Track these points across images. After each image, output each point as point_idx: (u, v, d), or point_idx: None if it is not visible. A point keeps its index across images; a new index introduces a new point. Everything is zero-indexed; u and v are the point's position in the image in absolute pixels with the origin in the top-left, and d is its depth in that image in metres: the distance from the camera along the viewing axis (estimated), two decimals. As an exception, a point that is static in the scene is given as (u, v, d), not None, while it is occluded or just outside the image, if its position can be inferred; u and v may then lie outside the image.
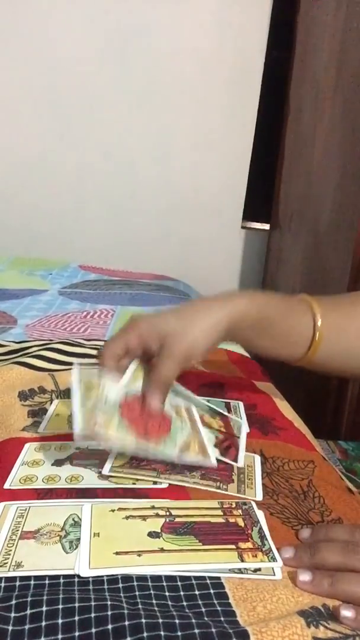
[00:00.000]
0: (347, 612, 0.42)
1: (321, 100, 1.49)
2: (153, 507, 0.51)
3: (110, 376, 0.60)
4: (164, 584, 0.43)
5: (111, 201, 1.89)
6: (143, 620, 0.38)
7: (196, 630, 0.37)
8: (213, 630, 0.37)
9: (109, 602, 0.39)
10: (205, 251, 1.96)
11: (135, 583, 0.43)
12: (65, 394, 0.76)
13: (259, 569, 0.45)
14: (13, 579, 0.43)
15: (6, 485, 0.55)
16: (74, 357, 0.88)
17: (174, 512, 0.51)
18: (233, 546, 0.47)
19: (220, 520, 0.50)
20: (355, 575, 0.44)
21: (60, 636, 0.37)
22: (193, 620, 0.38)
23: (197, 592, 0.42)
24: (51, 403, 0.73)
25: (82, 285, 1.44)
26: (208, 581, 0.44)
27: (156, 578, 0.43)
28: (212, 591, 0.43)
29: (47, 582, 0.42)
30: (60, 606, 0.39)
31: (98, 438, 0.54)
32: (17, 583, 0.42)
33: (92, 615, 0.38)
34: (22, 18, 1.70)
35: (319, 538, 0.48)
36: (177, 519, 0.50)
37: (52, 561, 0.44)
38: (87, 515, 0.50)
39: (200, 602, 0.41)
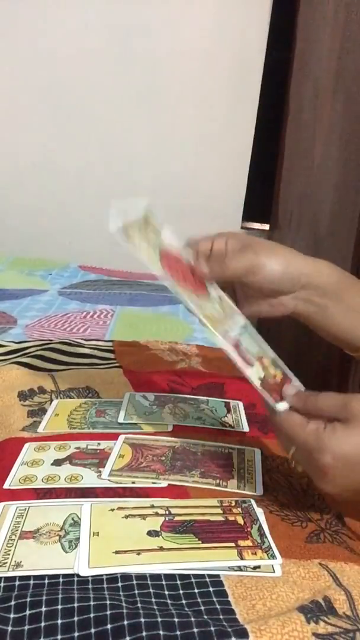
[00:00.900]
0: (289, 389, 0.52)
1: (321, 100, 1.49)
2: (152, 506, 0.51)
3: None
4: (163, 582, 0.43)
5: (111, 201, 1.88)
6: (142, 620, 0.37)
7: (195, 629, 0.37)
8: (212, 628, 0.37)
9: (108, 602, 0.39)
10: (205, 251, 1.96)
11: (134, 582, 0.43)
12: (65, 394, 0.76)
13: (259, 567, 0.45)
14: (12, 578, 0.43)
15: (6, 485, 0.55)
16: (73, 357, 0.88)
17: (173, 511, 0.51)
18: (232, 544, 0.47)
19: (220, 518, 0.50)
20: (330, 394, 0.50)
21: (59, 637, 0.37)
22: (192, 619, 0.38)
23: (196, 591, 0.42)
24: (51, 403, 0.73)
25: (82, 285, 1.44)
26: (207, 579, 0.43)
27: (155, 577, 0.43)
28: (211, 589, 0.42)
29: (46, 581, 0.42)
30: (60, 606, 0.39)
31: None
32: (17, 583, 0.42)
33: (92, 615, 0.38)
34: (23, 18, 1.70)
35: (308, 410, 0.50)
36: (177, 518, 0.50)
37: (52, 561, 0.44)
38: (86, 515, 0.49)
39: (199, 600, 0.41)
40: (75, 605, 0.39)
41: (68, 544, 0.46)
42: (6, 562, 0.44)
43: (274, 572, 0.45)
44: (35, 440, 0.63)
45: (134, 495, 0.53)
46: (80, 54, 1.74)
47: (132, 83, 1.78)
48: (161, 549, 0.46)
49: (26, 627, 0.38)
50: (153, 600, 0.41)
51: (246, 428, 0.69)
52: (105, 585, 0.42)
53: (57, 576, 0.43)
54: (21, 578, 0.43)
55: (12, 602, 0.39)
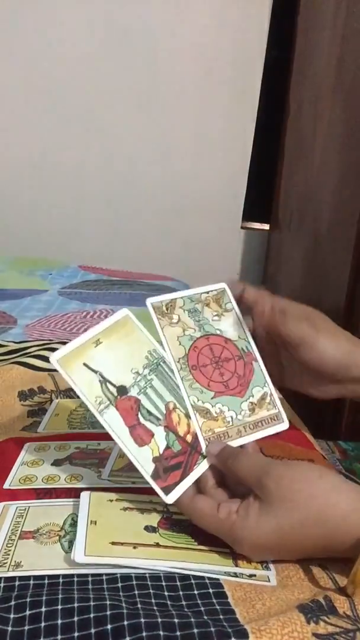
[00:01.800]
0: (213, 447, 0.50)
1: (321, 100, 1.49)
2: (151, 502, 0.51)
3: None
4: (163, 583, 0.43)
5: (111, 201, 1.88)
6: (142, 620, 0.37)
7: (195, 630, 0.37)
8: (212, 629, 0.37)
9: (108, 602, 0.39)
10: (205, 251, 1.96)
11: (134, 582, 0.43)
12: (65, 394, 0.76)
13: (254, 575, 0.45)
14: (12, 579, 0.43)
15: (6, 485, 0.55)
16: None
17: (171, 509, 0.51)
18: (228, 550, 0.47)
19: None
20: (250, 460, 0.48)
21: (59, 637, 0.37)
22: (192, 620, 0.38)
23: (196, 592, 0.42)
24: (51, 403, 0.73)
25: (81, 285, 1.44)
26: (207, 581, 0.44)
27: (155, 577, 0.43)
28: (211, 591, 0.43)
29: (46, 582, 0.42)
30: (60, 607, 0.39)
31: None
32: (17, 583, 0.42)
33: (92, 615, 0.38)
34: (22, 18, 1.70)
35: (228, 471, 0.49)
36: (174, 516, 0.50)
37: (52, 561, 0.44)
38: (85, 502, 0.50)
39: (199, 601, 0.41)
40: (75, 605, 0.39)
41: (68, 544, 0.46)
42: (6, 562, 0.44)
43: (269, 581, 0.45)
44: (35, 440, 0.63)
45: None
46: (79, 54, 1.74)
47: (132, 82, 1.78)
48: (157, 545, 0.46)
49: (26, 628, 0.38)
50: (153, 600, 0.41)
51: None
52: (105, 586, 0.42)
53: (57, 576, 0.43)
54: (21, 578, 0.43)
55: (12, 602, 0.39)
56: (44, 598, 0.40)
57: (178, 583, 0.43)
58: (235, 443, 0.52)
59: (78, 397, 0.74)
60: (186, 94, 1.81)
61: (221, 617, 0.39)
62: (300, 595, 0.42)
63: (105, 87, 1.78)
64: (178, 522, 0.49)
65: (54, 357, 0.48)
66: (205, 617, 0.39)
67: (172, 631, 0.37)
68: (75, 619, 0.38)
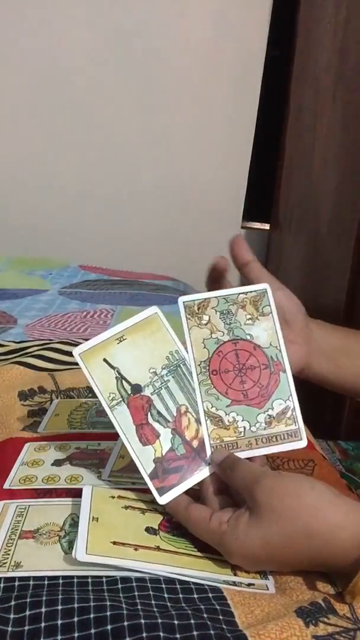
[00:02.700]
0: (217, 456, 0.50)
1: (321, 100, 1.49)
2: (152, 502, 0.51)
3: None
4: (163, 586, 0.43)
5: (111, 201, 1.88)
6: (142, 621, 0.37)
7: (195, 632, 0.37)
8: (212, 632, 0.37)
9: (108, 603, 0.39)
10: (205, 251, 1.94)
11: (134, 584, 0.42)
12: (66, 393, 0.76)
13: (253, 584, 0.45)
14: (12, 579, 0.43)
15: (6, 485, 0.55)
16: (73, 357, 0.88)
17: None
18: None
19: None
20: (244, 470, 0.47)
21: (59, 637, 0.37)
22: (192, 622, 0.38)
23: (195, 596, 0.42)
24: (51, 403, 0.73)
25: (82, 285, 1.44)
26: (206, 586, 0.43)
27: (155, 580, 0.43)
28: (210, 595, 0.42)
29: (46, 582, 0.42)
30: (60, 607, 0.39)
31: None
32: (16, 583, 0.42)
33: (92, 615, 0.38)
34: (22, 17, 1.70)
35: (227, 481, 0.49)
36: (175, 519, 0.50)
37: (51, 562, 0.44)
38: (87, 497, 0.49)
39: (199, 604, 0.41)
40: (75, 605, 0.39)
41: (68, 545, 0.46)
42: (6, 562, 0.44)
43: (267, 589, 0.45)
44: (36, 440, 0.63)
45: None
46: (80, 54, 1.74)
47: (132, 82, 1.78)
48: (158, 548, 0.46)
49: (26, 628, 0.37)
50: (153, 602, 0.41)
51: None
52: (105, 587, 0.42)
53: (57, 577, 0.43)
54: (21, 578, 0.43)
55: (12, 603, 0.39)
56: (44, 598, 0.40)
57: (178, 586, 0.43)
58: (243, 455, 0.51)
59: (77, 396, 0.75)
60: (186, 94, 1.81)
61: (221, 619, 0.39)
62: (300, 598, 0.42)
63: (105, 87, 1.78)
64: (178, 525, 0.49)
65: (76, 350, 0.49)
66: (205, 620, 0.39)
67: (172, 633, 0.37)
68: (75, 619, 0.38)
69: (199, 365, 0.53)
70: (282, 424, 0.53)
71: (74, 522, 0.49)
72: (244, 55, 1.78)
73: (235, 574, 0.45)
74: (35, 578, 0.43)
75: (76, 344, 0.92)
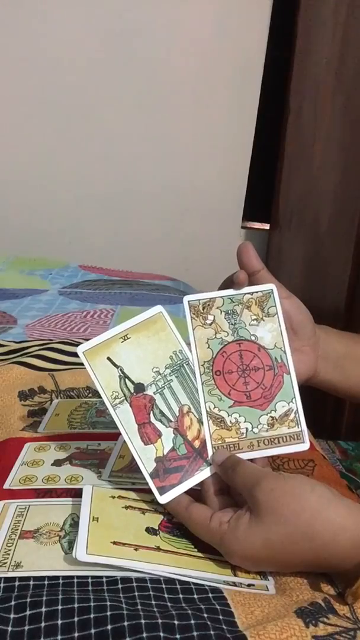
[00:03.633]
0: (218, 456, 0.50)
1: (321, 100, 1.49)
2: (153, 502, 0.51)
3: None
4: (163, 586, 0.43)
5: (111, 201, 1.88)
6: (142, 621, 0.37)
7: (195, 633, 0.37)
8: (212, 632, 0.37)
9: (108, 603, 0.39)
10: (205, 251, 1.96)
11: (134, 584, 0.42)
12: (66, 393, 0.76)
13: (253, 585, 0.45)
14: (12, 579, 0.43)
15: (6, 485, 0.55)
16: (74, 357, 0.88)
17: None
18: None
19: None
20: (245, 471, 0.47)
21: (59, 637, 0.37)
22: (192, 622, 0.38)
23: (195, 596, 0.42)
24: (51, 403, 0.73)
25: (82, 285, 1.44)
26: (206, 586, 0.43)
27: (155, 580, 0.43)
28: (210, 595, 0.42)
29: (46, 582, 0.42)
30: (60, 607, 0.39)
31: None
32: (17, 583, 0.42)
33: (92, 615, 0.38)
34: (22, 17, 1.70)
35: (228, 481, 0.49)
36: (175, 519, 0.50)
37: (51, 562, 0.44)
38: (87, 497, 0.49)
39: (199, 605, 0.41)
40: (76, 605, 0.39)
41: (68, 545, 0.46)
42: (6, 562, 0.44)
43: (267, 590, 0.44)
44: (36, 440, 0.63)
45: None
46: (80, 54, 1.74)
47: (132, 82, 1.78)
48: (158, 549, 0.46)
49: (26, 628, 0.37)
50: (153, 602, 0.41)
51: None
52: (105, 587, 0.42)
53: (57, 577, 0.43)
54: (21, 578, 0.43)
55: (12, 602, 0.39)
56: (44, 598, 0.40)
57: (178, 586, 0.43)
58: (245, 456, 0.51)
59: (77, 396, 0.75)
60: (186, 94, 1.81)
61: (221, 619, 0.39)
62: (300, 597, 0.42)
63: (105, 87, 1.78)
64: (179, 526, 0.49)
65: (80, 348, 0.49)
66: (205, 620, 0.39)
67: (172, 633, 0.37)
68: (76, 619, 0.38)
69: (202, 365, 0.52)
70: (284, 426, 0.53)
71: (74, 522, 0.49)
72: (244, 55, 1.78)
73: (235, 575, 0.45)
74: (35, 578, 0.43)
75: (76, 344, 0.92)
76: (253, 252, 0.56)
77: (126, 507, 0.50)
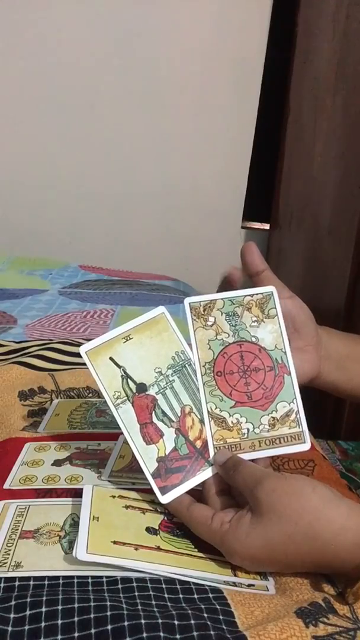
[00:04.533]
0: (220, 457, 0.50)
1: (321, 100, 1.49)
2: (153, 502, 0.51)
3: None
4: (163, 586, 0.43)
5: (111, 201, 1.88)
6: (142, 621, 0.37)
7: (195, 633, 0.37)
8: (212, 632, 0.37)
9: (108, 603, 0.39)
10: (205, 251, 1.96)
11: (134, 584, 0.42)
12: (66, 393, 0.76)
13: (253, 585, 0.45)
14: (12, 579, 0.43)
15: (6, 485, 0.55)
16: (74, 357, 0.88)
17: None
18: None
19: None
20: (247, 471, 0.47)
21: (59, 637, 0.37)
22: (192, 622, 0.38)
23: (195, 596, 0.42)
24: (51, 403, 0.73)
25: (82, 285, 1.44)
26: (207, 586, 0.43)
27: (155, 580, 0.43)
28: (210, 595, 0.42)
29: (46, 582, 0.42)
30: (60, 607, 0.39)
31: None
32: (17, 583, 0.42)
33: (92, 615, 0.38)
34: (23, 18, 1.70)
35: (230, 482, 0.49)
36: (175, 519, 0.50)
37: (52, 562, 0.44)
38: (87, 497, 0.50)
39: (199, 604, 0.41)
40: (76, 605, 0.39)
41: (68, 545, 0.46)
42: (6, 562, 0.44)
43: (267, 590, 0.44)
44: (36, 440, 0.63)
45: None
46: (80, 54, 1.74)
47: (132, 82, 1.78)
48: (158, 548, 0.46)
49: (26, 627, 0.37)
50: (153, 602, 0.41)
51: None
52: (105, 587, 0.42)
53: (57, 577, 0.43)
54: (21, 578, 0.43)
55: (12, 602, 0.39)
56: (44, 598, 0.40)
57: (178, 586, 0.43)
58: (246, 456, 0.51)
59: (77, 396, 0.75)
60: (186, 94, 1.81)
61: (221, 619, 0.39)
62: (300, 597, 0.42)
63: (105, 87, 1.78)
64: (179, 526, 0.49)
65: (83, 348, 0.49)
66: (206, 620, 0.39)
67: (172, 633, 0.37)
68: (76, 619, 0.38)
69: (203, 366, 0.52)
70: (285, 426, 0.53)
71: (74, 522, 0.49)
72: (244, 55, 1.78)
73: (235, 575, 0.45)
74: (35, 578, 0.43)
75: (76, 344, 0.92)
76: (257, 252, 0.56)
77: (126, 507, 0.50)
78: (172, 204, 1.91)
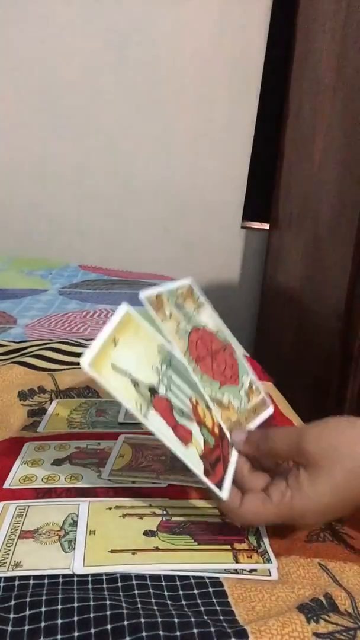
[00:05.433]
0: (238, 435, 0.50)
1: (321, 100, 1.49)
2: (150, 506, 0.51)
3: None
4: (163, 583, 0.43)
5: (111, 201, 1.88)
6: (142, 620, 0.37)
7: (195, 630, 0.37)
8: (212, 629, 0.37)
9: (107, 602, 0.39)
10: (205, 251, 1.96)
11: (134, 582, 0.43)
12: (65, 393, 0.76)
13: (255, 570, 0.45)
14: (12, 578, 0.43)
15: (6, 485, 0.55)
16: (74, 357, 0.88)
17: (170, 511, 0.51)
18: (228, 546, 0.47)
19: (217, 520, 0.50)
20: (282, 435, 0.48)
21: (59, 637, 0.37)
22: (192, 619, 0.38)
23: (195, 592, 0.42)
24: (51, 403, 0.73)
25: (82, 285, 1.44)
26: (207, 580, 0.43)
27: (155, 577, 0.43)
28: (210, 590, 0.43)
29: (46, 581, 0.42)
30: (60, 606, 0.39)
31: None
32: (16, 583, 0.42)
33: (91, 615, 0.38)
34: (22, 18, 1.70)
35: (262, 454, 0.49)
36: (174, 518, 0.50)
37: (51, 561, 0.44)
38: (84, 513, 0.50)
39: (199, 601, 0.41)
40: (75, 605, 0.39)
41: (68, 544, 0.46)
42: (6, 562, 0.44)
43: (270, 575, 0.45)
44: (35, 440, 0.63)
45: (134, 495, 0.53)
46: (80, 54, 1.74)
47: (132, 82, 1.78)
48: (157, 549, 0.46)
49: (26, 627, 0.37)
50: (153, 600, 0.41)
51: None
52: (105, 586, 0.42)
53: (56, 576, 0.43)
54: (21, 578, 0.43)
55: (12, 602, 0.39)
56: (43, 598, 0.40)
57: (178, 583, 0.43)
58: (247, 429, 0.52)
59: (77, 396, 0.75)
60: (186, 94, 1.81)
61: (221, 617, 0.39)
62: (301, 592, 0.42)
63: (105, 86, 1.78)
64: (178, 523, 0.49)
65: (84, 362, 0.43)
66: (205, 617, 0.39)
67: (172, 631, 0.37)
68: (75, 618, 0.38)
69: (184, 355, 0.51)
70: (254, 396, 0.56)
71: (74, 521, 0.49)
72: (244, 55, 1.78)
73: (237, 561, 0.45)
74: (35, 577, 0.43)
75: (76, 344, 0.92)
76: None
77: (123, 516, 0.50)
78: (172, 204, 1.91)
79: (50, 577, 0.43)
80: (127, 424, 0.67)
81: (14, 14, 1.69)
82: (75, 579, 0.43)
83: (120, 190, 1.88)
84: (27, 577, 0.43)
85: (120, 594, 0.41)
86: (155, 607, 0.40)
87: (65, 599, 0.40)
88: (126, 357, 0.47)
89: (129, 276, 1.58)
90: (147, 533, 0.48)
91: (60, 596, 0.40)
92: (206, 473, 0.46)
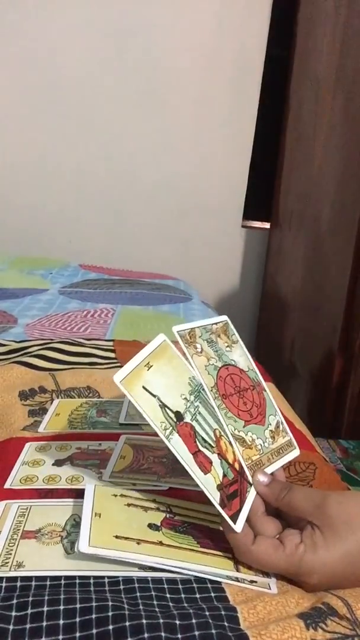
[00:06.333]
0: (261, 477, 0.50)
1: (321, 99, 1.49)
2: (154, 501, 0.51)
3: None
4: (165, 586, 0.43)
5: (111, 201, 1.88)
6: (144, 621, 0.37)
7: (196, 632, 0.37)
8: (213, 631, 0.37)
9: (110, 603, 0.39)
10: (205, 251, 1.96)
11: (136, 585, 0.43)
12: (66, 393, 0.76)
13: (255, 582, 0.45)
14: (14, 578, 0.43)
15: (7, 485, 0.55)
16: (74, 357, 0.88)
17: (174, 510, 0.51)
18: (230, 554, 0.47)
19: (218, 527, 0.50)
20: (305, 492, 0.48)
21: (61, 637, 0.37)
22: (193, 621, 0.38)
23: (197, 596, 0.42)
24: (52, 403, 0.73)
25: (82, 284, 1.44)
26: (209, 585, 0.43)
27: (157, 580, 0.43)
28: (212, 594, 0.43)
29: (48, 582, 0.42)
30: (62, 607, 0.39)
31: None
32: (19, 583, 0.42)
33: (93, 616, 0.38)
34: (22, 18, 1.70)
35: (280, 505, 0.49)
36: (177, 517, 0.50)
37: (53, 562, 0.44)
38: (89, 495, 0.50)
39: (201, 604, 0.41)
40: (77, 606, 0.39)
41: (70, 545, 0.46)
42: (8, 562, 0.44)
43: (269, 589, 0.45)
44: (36, 440, 0.63)
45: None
46: (79, 53, 1.74)
47: (132, 82, 1.78)
48: (160, 543, 0.46)
49: (27, 626, 0.38)
50: (155, 602, 0.41)
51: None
52: (107, 587, 0.42)
53: (59, 577, 0.43)
54: (23, 578, 0.43)
55: (14, 601, 0.39)
56: (45, 598, 0.40)
57: (180, 586, 0.43)
58: (268, 470, 0.52)
59: (78, 396, 0.75)
60: (186, 94, 1.81)
61: (223, 619, 0.39)
62: (300, 601, 0.42)
63: (105, 86, 1.78)
64: (181, 523, 0.49)
65: (117, 378, 0.46)
66: (207, 620, 0.39)
67: (174, 633, 0.37)
68: (77, 619, 0.38)
69: (211, 390, 0.53)
70: (280, 436, 0.55)
71: (76, 522, 0.49)
72: (244, 55, 1.78)
73: (237, 570, 0.46)
74: (37, 578, 0.43)
75: (77, 344, 0.93)
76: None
77: (128, 505, 0.50)
78: (172, 204, 1.91)
79: (52, 577, 0.43)
80: (128, 424, 0.67)
81: (14, 14, 1.69)
82: (77, 580, 0.43)
83: (121, 189, 1.88)
84: (29, 578, 0.43)
85: (122, 595, 0.41)
86: (157, 609, 0.40)
87: (68, 600, 0.40)
88: (157, 381, 0.49)
89: (130, 275, 1.58)
90: (152, 526, 0.48)
91: (62, 596, 0.40)
92: (222, 504, 0.46)
